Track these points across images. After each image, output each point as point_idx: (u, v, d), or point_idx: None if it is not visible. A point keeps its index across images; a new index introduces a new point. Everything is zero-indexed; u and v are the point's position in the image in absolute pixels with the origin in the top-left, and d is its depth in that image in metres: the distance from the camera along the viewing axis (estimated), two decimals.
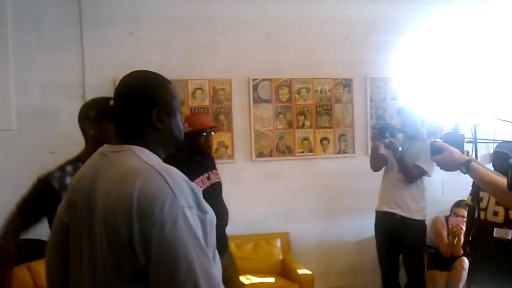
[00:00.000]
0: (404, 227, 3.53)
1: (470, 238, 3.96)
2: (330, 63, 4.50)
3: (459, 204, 4.22)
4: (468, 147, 4.00)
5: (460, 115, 4.39)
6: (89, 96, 4.02)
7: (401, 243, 3.59)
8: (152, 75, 1.37)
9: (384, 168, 3.70)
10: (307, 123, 4.49)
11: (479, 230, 3.28)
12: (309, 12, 4.44)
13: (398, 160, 3.45)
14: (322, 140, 4.53)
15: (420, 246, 3.66)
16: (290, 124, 4.45)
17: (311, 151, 4.50)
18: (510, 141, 2.01)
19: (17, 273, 3.33)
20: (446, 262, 4.15)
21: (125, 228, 1.15)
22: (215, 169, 2.93)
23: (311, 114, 4.49)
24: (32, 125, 3.92)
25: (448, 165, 1.97)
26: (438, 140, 2.03)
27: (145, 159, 1.24)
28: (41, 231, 3.89)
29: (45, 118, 3.94)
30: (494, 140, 3.39)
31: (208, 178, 2.82)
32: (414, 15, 4.63)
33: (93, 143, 2.20)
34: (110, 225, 1.18)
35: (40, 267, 3.40)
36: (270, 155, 4.40)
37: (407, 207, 3.53)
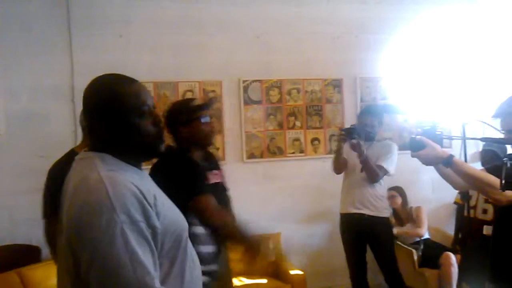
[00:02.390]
0: (374, 225, 3.56)
1: (460, 236, 4.00)
2: (320, 63, 4.52)
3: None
4: (457, 145, 4.05)
5: (449, 114, 4.45)
6: (78, 100, 4.00)
7: (371, 242, 3.64)
8: (114, 78, 1.36)
9: (345, 170, 3.72)
10: (298, 123, 4.50)
11: (469, 228, 3.32)
12: (298, 12, 4.45)
13: (364, 161, 3.45)
14: (313, 140, 4.54)
15: (391, 241, 3.72)
16: (281, 125, 4.46)
17: (302, 151, 4.51)
18: (497, 138, 2.06)
19: (7, 278, 3.30)
20: (436, 260, 4.18)
21: (69, 241, 1.19)
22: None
23: (301, 114, 4.50)
24: (21, 129, 3.89)
25: (431, 160, 2.08)
26: (419, 136, 2.09)
27: (99, 168, 1.22)
28: (31, 236, 3.89)
29: (34, 122, 3.91)
30: (483, 138, 3.41)
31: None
32: (403, 15, 4.66)
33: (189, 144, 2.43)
34: (64, 238, 1.22)
35: (30, 272, 3.37)
36: (261, 156, 4.40)
37: (374, 206, 3.56)
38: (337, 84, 4.57)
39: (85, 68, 3.99)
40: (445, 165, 2.04)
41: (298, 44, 4.47)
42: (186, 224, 1.35)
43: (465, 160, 3.61)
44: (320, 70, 4.52)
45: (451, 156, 2.03)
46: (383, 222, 3.61)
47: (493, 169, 2.13)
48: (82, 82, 3.93)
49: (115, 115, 1.28)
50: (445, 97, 4.63)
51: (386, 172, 3.57)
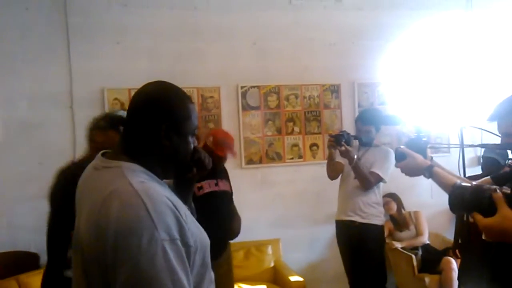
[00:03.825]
0: (364, 233, 3.48)
1: (460, 241, 3.99)
2: (317, 69, 4.53)
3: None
4: (456, 150, 4.05)
5: (447, 119, 4.46)
6: (77, 107, 4.02)
7: (361, 250, 3.53)
8: (173, 88, 1.29)
9: (340, 176, 3.66)
10: (296, 129, 4.51)
11: (468, 233, 3.31)
12: (295, 19, 4.47)
13: (354, 168, 3.41)
14: (311, 146, 4.54)
15: (381, 251, 3.61)
16: (279, 131, 4.47)
17: (300, 157, 4.52)
18: (494, 144, 2.02)
19: (6, 285, 3.29)
20: (435, 265, 4.18)
21: (99, 260, 1.09)
22: (226, 179, 2.89)
23: (300, 120, 4.51)
24: (20, 137, 3.89)
25: (412, 171, 2.01)
26: (402, 146, 2.05)
27: (131, 180, 1.14)
28: (30, 243, 3.88)
29: (33, 130, 3.91)
30: (480, 144, 3.41)
31: (216, 184, 2.78)
32: (399, 21, 4.69)
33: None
34: (86, 251, 1.14)
35: (29, 279, 3.36)
36: (260, 162, 4.41)
37: (365, 213, 3.49)
38: (335, 90, 4.58)
39: (83, 75, 4.02)
40: (426, 176, 1.96)
41: (295, 50, 4.48)
42: (208, 241, 1.25)
43: (463, 166, 3.59)
44: (318, 76, 4.53)
45: (431, 166, 1.95)
46: (373, 230, 3.52)
47: (500, 178, 2.10)
48: (81, 89, 3.98)
49: (170, 129, 1.22)
50: (442, 102, 4.65)
51: (380, 179, 3.50)
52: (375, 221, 3.52)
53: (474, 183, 2.20)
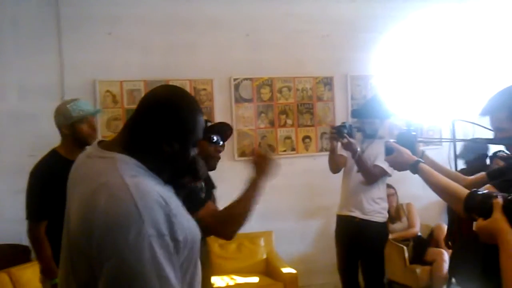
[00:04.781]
0: (364, 230, 3.32)
1: (451, 232, 4.02)
2: (310, 61, 4.52)
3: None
4: (447, 144, 4.07)
5: (440, 112, 4.48)
6: (68, 98, 3.97)
7: (360, 247, 3.38)
8: (187, 98, 1.29)
9: (343, 169, 3.50)
10: (289, 121, 4.51)
11: (459, 224, 3.33)
12: (288, 11, 4.45)
13: (357, 161, 3.23)
14: (304, 138, 4.55)
15: (380, 250, 3.42)
16: (272, 123, 4.46)
17: (293, 149, 4.52)
18: (487, 139, 2.00)
19: None
20: (426, 257, 4.22)
21: (84, 251, 1.10)
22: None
23: (292, 112, 4.51)
24: (11, 128, 3.86)
25: (399, 165, 2.01)
26: (391, 140, 2.05)
27: (122, 173, 1.14)
28: (21, 235, 3.85)
29: (23, 121, 3.88)
30: (472, 139, 3.43)
31: None
32: (393, 13, 4.68)
33: None
34: (72, 239, 1.15)
35: (20, 272, 3.35)
36: (253, 155, 4.39)
37: (367, 209, 3.32)
38: (328, 82, 4.58)
39: (75, 67, 3.98)
40: (412, 171, 1.94)
41: (288, 42, 4.47)
42: (199, 234, 1.24)
43: (455, 160, 3.60)
44: (311, 68, 4.53)
45: (417, 161, 1.92)
46: (375, 228, 3.35)
47: (494, 173, 2.10)
48: (72, 80, 3.94)
49: (174, 136, 1.23)
50: (435, 95, 4.66)
51: (384, 173, 3.30)
52: (376, 218, 3.35)
53: (470, 178, 2.21)
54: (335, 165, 3.49)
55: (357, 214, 3.35)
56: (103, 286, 1.06)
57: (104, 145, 1.27)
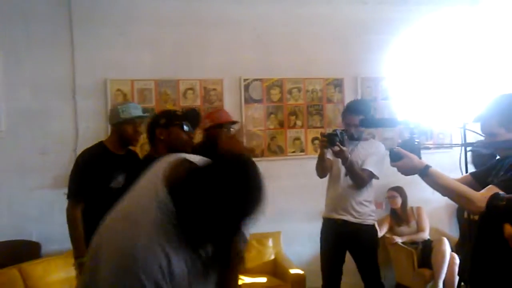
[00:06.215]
0: (358, 234, 3.34)
1: (459, 238, 3.99)
2: (321, 63, 4.52)
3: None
4: (457, 149, 4.03)
5: (450, 116, 4.44)
6: (79, 97, 4.02)
7: (354, 251, 3.41)
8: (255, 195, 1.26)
9: (329, 173, 3.48)
10: (299, 123, 4.51)
11: (468, 229, 3.31)
12: (299, 12, 4.45)
13: (348, 167, 3.22)
14: (313, 139, 4.54)
15: (374, 251, 3.44)
16: (281, 124, 4.47)
17: (302, 150, 4.52)
18: (495, 142, 2.05)
19: (7, 274, 3.31)
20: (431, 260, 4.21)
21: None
22: None
23: (302, 114, 4.51)
24: (22, 126, 3.90)
25: (409, 171, 2.07)
26: (397, 147, 2.10)
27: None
28: (32, 232, 3.90)
29: (35, 119, 3.91)
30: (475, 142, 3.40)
31: None
32: (405, 16, 4.66)
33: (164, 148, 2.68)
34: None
35: (31, 268, 3.38)
36: (262, 155, 4.41)
37: (358, 212, 3.33)
38: (338, 84, 4.57)
39: (87, 65, 4.01)
40: (421, 176, 2.02)
41: (299, 43, 4.47)
42: None
43: (466, 164, 3.56)
44: (321, 70, 4.52)
45: (427, 166, 2.01)
46: (368, 230, 3.38)
47: (479, 175, 2.15)
48: (83, 79, 3.98)
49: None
50: (446, 98, 4.63)
51: (372, 176, 3.33)
52: (368, 221, 3.37)
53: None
54: (324, 170, 3.45)
55: (348, 218, 3.35)
56: None
57: None
